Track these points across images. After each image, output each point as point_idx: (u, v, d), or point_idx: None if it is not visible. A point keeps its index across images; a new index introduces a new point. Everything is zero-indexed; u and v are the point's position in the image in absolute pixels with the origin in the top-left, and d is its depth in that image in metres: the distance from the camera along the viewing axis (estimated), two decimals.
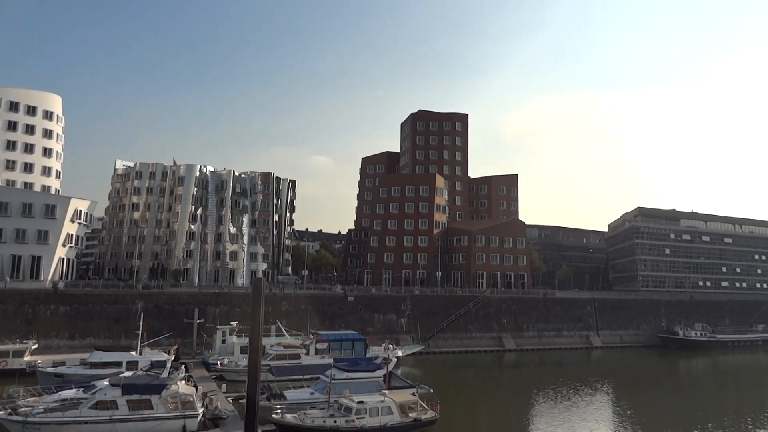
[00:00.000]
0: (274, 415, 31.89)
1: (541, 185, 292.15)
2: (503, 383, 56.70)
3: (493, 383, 56.16)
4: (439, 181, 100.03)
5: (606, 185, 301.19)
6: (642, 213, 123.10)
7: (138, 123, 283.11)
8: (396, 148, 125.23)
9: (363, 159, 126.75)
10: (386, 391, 35.73)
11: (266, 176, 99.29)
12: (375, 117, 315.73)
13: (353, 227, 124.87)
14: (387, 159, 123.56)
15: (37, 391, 35.26)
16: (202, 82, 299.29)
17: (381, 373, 38.61)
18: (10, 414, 29.80)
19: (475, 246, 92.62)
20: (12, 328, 54.50)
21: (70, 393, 34.14)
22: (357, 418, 32.37)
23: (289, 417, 31.86)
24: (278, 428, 31.51)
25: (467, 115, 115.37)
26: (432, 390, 38.92)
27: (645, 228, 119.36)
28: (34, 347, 50.51)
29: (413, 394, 36.78)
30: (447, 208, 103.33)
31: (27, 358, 48.23)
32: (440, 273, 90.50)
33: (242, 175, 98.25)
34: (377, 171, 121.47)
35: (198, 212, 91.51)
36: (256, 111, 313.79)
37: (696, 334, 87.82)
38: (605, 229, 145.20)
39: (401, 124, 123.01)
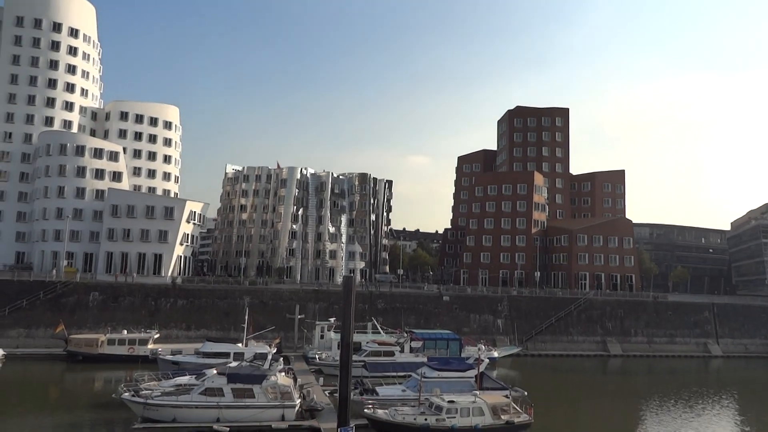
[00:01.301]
0: (366, 410, 32.66)
1: (653, 181, 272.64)
2: (606, 389, 53.65)
3: (595, 389, 53.29)
4: (538, 179, 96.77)
5: (729, 180, 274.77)
6: None
7: (246, 129, 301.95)
8: (493, 146, 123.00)
9: (459, 158, 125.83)
10: (478, 392, 35.26)
11: (363, 177, 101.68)
12: (472, 115, 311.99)
13: (450, 226, 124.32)
14: (483, 157, 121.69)
15: (157, 377, 38.83)
16: (304, 88, 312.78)
17: (473, 373, 38.18)
18: (133, 396, 33.16)
19: (576, 246, 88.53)
20: (137, 318, 60.40)
21: (184, 379, 37.30)
22: (448, 417, 32.25)
23: (380, 412, 32.48)
24: (370, 423, 32.23)
25: (567, 109, 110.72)
26: (526, 393, 37.84)
27: None
28: (156, 336, 55.61)
29: (506, 396, 35.98)
30: (546, 207, 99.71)
31: (150, 346, 53.15)
32: (539, 273, 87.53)
33: (340, 177, 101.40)
34: (474, 169, 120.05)
35: (299, 213, 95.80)
36: (354, 113, 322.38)
37: None
38: (728, 227, 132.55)
39: (498, 121, 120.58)
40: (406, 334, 56.11)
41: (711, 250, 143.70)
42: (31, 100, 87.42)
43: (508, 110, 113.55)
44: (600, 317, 74.52)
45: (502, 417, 33.69)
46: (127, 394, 33.37)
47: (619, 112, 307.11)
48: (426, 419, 32.19)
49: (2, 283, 60.14)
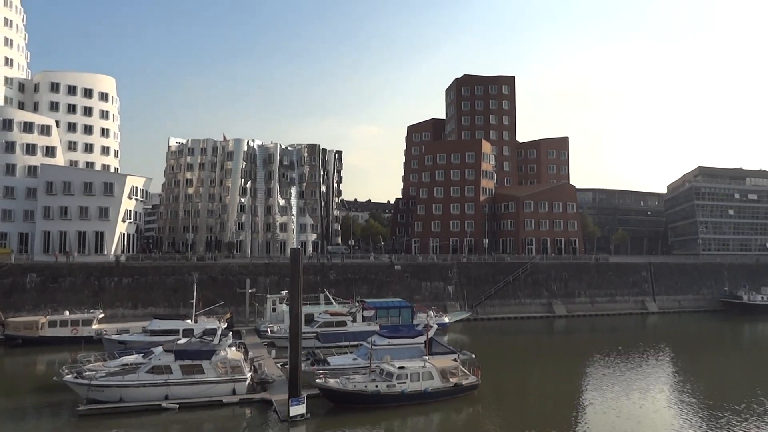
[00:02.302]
0: (317, 380, 32.94)
1: (595, 147, 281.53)
2: (552, 349, 56.12)
3: (541, 349, 55.65)
4: (486, 147, 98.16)
5: (665, 145, 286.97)
6: (703, 173, 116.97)
7: (190, 101, 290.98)
8: (442, 115, 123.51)
9: (409, 127, 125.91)
10: (427, 357, 36.15)
11: (312, 148, 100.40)
12: (421, 84, 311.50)
13: (401, 196, 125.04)
14: (433, 126, 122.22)
15: (102, 357, 37.79)
16: (249, 55, 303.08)
17: (422, 339, 39.00)
18: (76, 378, 32.20)
19: (523, 212, 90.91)
20: (81, 299, 58.36)
21: (130, 358, 36.48)
22: (398, 383, 32.97)
23: (331, 382, 32.83)
24: (321, 392, 32.55)
25: (513, 77, 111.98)
26: (474, 356, 39.06)
27: (706, 188, 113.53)
28: (100, 316, 53.92)
29: (455, 360, 37.06)
30: (494, 174, 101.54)
31: (95, 326, 51.56)
32: (487, 240, 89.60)
33: (289, 148, 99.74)
34: (423, 139, 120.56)
35: (248, 186, 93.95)
36: (305, 85, 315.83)
37: (762, 298, 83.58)
38: (665, 191, 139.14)
39: (446, 90, 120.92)
40: (358, 304, 56.56)
41: (649, 213, 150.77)
42: None
43: (456, 79, 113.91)
44: (546, 280, 77.36)
45: (451, 380, 34.76)
46: (69, 376, 32.39)
47: (561, 80, 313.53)
48: (377, 386, 32.80)
49: None
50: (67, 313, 53.04)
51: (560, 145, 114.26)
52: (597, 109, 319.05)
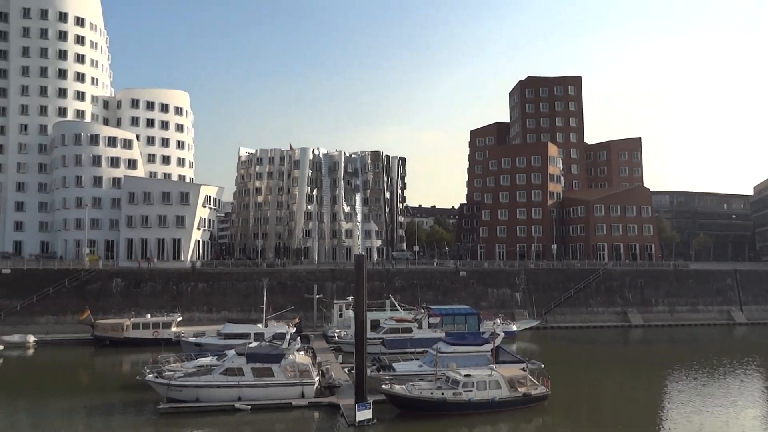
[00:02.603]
0: (383, 386, 33.11)
1: (671, 148, 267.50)
2: (627, 360, 53.57)
3: (616, 360, 53.20)
4: (552, 150, 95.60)
5: (750, 143, 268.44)
6: None
7: (258, 112, 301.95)
8: (506, 118, 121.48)
9: (472, 131, 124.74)
10: (494, 366, 35.50)
11: (375, 155, 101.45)
12: (484, 88, 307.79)
13: (465, 202, 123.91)
14: (497, 130, 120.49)
15: (180, 358, 39.78)
16: (313, 66, 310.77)
17: (488, 347, 38.36)
18: (156, 377, 34.07)
19: (593, 216, 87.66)
20: (160, 303, 61.66)
21: (205, 360, 38.18)
22: (464, 391, 32.58)
23: (397, 388, 32.90)
24: (387, 398, 32.68)
25: (580, 77, 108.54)
26: (543, 365, 37.96)
27: None
28: (179, 319, 56.83)
29: (523, 369, 36.17)
30: (562, 178, 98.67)
31: (173, 329, 54.33)
32: (556, 246, 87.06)
33: (353, 156, 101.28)
34: (487, 143, 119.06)
35: (314, 193, 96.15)
36: (366, 92, 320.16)
37: None
38: (750, 192, 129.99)
39: (509, 93, 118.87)
40: (423, 311, 56.45)
41: (734, 216, 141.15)
42: (43, 91, 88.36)
43: (519, 81, 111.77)
44: (620, 288, 74.08)
45: (519, 389, 33.93)
46: (151, 375, 34.28)
47: (633, 78, 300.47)
48: (443, 393, 32.56)
49: (30, 272, 61.82)
50: (149, 316, 56.27)
51: (632, 146, 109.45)
52: (671, 107, 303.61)
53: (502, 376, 33.93)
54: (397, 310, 58.32)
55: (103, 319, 56.56)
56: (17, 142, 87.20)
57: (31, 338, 53.95)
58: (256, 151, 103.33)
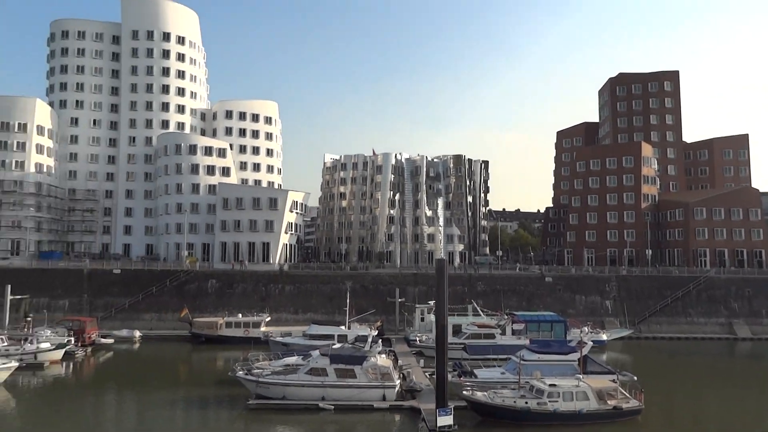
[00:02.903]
0: (464, 392, 32.80)
1: None
2: (733, 375, 49.35)
3: (719, 374, 49.11)
4: (646, 150, 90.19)
5: None
6: None
7: (343, 118, 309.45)
8: (594, 118, 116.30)
9: (558, 132, 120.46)
10: (581, 376, 34.08)
11: (458, 159, 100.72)
12: (571, 87, 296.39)
13: (551, 205, 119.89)
14: (585, 130, 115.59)
15: (269, 357, 41.65)
16: (395, 71, 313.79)
17: (575, 356, 36.86)
18: (246, 375, 35.88)
19: (693, 220, 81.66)
20: (251, 303, 64.80)
21: (291, 360, 39.66)
22: (549, 401, 31.54)
23: (479, 395, 32.46)
24: (469, 404, 32.34)
25: (677, 72, 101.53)
26: (635, 378, 35.92)
27: None
28: (267, 320, 59.53)
29: (613, 381, 34.41)
30: (657, 179, 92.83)
31: (263, 328, 56.98)
32: (651, 251, 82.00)
33: (435, 160, 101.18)
34: (574, 144, 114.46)
35: (396, 198, 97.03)
36: (448, 94, 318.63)
37: None
38: None
39: (599, 91, 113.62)
40: (506, 317, 55.30)
41: None
42: (149, 106, 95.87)
43: (610, 78, 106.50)
44: (724, 297, 68.53)
45: (609, 402, 32.35)
46: (241, 372, 36.17)
47: (737, 71, 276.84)
48: (527, 402, 31.72)
49: (137, 273, 67.25)
50: (240, 315, 59.39)
51: (738, 143, 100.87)
52: None
53: (590, 387, 32.51)
54: (480, 315, 57.52)
55: (200, 318, 60.34)
56: (126, 153, 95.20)
57: (137, 333, 58.67)
58: (341, 157, 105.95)
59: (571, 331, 54.39)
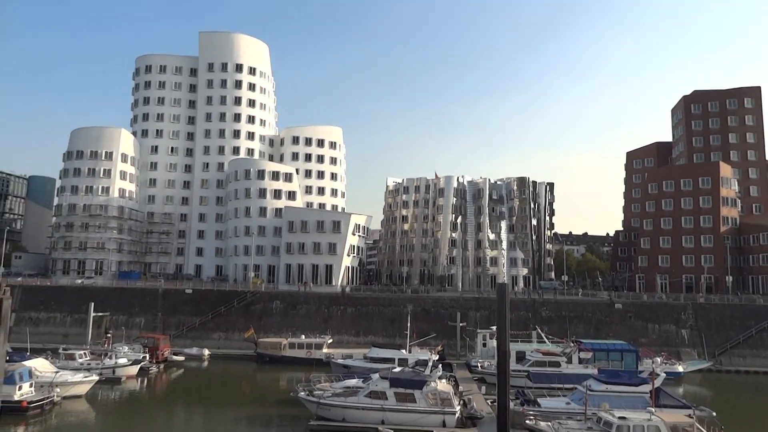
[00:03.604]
0: (527, 421, 31.84)
1: None
2: None
3: None
4: (725, 170, 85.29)
5: None
6: None
7: (405, 142, 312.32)
8: (667, 138, 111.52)
9: (628, 153, 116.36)
10: (653, 409, 32.23)
11: (521, 181, 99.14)
12: (642, 106, 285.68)
13: (621, 228, 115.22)
14: (657, 150, 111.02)
15: (330, 379, 42.16)
16: (457, 93, 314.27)
17: (646, 388, 34.92)
18: (308, 395, 36.46)
19: None
20: (313, 324, 65.93)
21: (352, 382, 39.88)
22: None
23: (543, 425, 31.38)
24: None
25: (759, 88, 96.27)
26: (714, 413, 33.57)
27: None
28: (329, 341, 60.26)
29: (689, 416, 32.29)
30: (738, 201, 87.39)
31: (325, 350, 57.67)
32: (731, 278, 76.88)
33: (498, 182, 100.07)
34: (646, 165, 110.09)
35: (458, 221, 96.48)
36: (512, 116, 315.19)
37: None
38: None
39: (672, 110, 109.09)
40: (573, 344, 53.27)
41: None
42: (221, 133, 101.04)
43: (684, 96, 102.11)
44: None
45: None
46: (303, 393, 36.79)
47: None
48: None
49: (207, 293, 70.18)
50: (303, 337, 60.48)
51: None
52: None
53: (664, 422, 30.65)
54: (544, 342, 55.75)
55: (264, 338, 61.95)
56: (200, 179, 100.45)
57: (206, 351, 60.98)
58: (403, 180, 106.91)
59: (643, 361, 51.64)
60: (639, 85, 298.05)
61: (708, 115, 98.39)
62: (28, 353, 44.55)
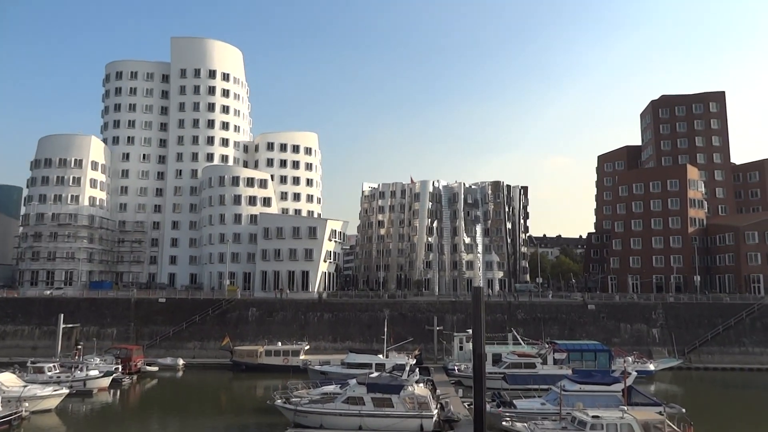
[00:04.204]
0: (504, 423, 32.19)
1: None
2: None
3: None
4: (692, 173, 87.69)
5: None
6: None
7: (380, 147, 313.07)
8: (636, 141, 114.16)
9: (599, 156, 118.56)
10: (626, 407, 32.90)
11: (496, 185, 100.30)
12: (612, 110, 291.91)
13: (593, 230, 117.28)
14: (627, 154, 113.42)
15: (307, 385, 41.94)
16: (432, 97, 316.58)
17: (619, 386, 35.67)
18: (284, 403, 36.25)
19: (745, 244, 78.40)
20: (290, 331, 65.46)
21: (330, 388, 39.81)
22: None
23: (519, 426, 31.77)
24: None
25: (723, 93, 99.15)
26: (684, 410, 34.41)
27: None
28: (306, 348, 59.93)
29: (660, 413, 33.05)
30: (705, 203, 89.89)
31: (302, 357, 57.38)
32: (699, 277, 78.93)
33: (472, 186, 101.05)
34: (616, 168, 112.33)
35: (434, 225, 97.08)
36: (485, 119, 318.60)
37: None
38: None
39: (641, 114, 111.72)
40: (548, 345, 54.05)
41: None
42: (195, 140, 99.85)
43: (652, 101, 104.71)
44: None
45: None
46: (279, 401, 36.55)
47: None
48: None
49: (181, 302, 69.14)
50: (280, 344, 60.03)
51: None
52: None
53: (636, 420, 31.31)
54: (520, 344, 56.46)
55: (240, 346, 61.31)
56: (173, 186, 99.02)
57: (181, 361, 60.03)
58: (379, 185, 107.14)
59: (616, 360, 52.67)
60: (610, 90, 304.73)
61: (675, 119, 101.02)
62: None
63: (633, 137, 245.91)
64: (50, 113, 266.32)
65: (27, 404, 38.14)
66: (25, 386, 40.58)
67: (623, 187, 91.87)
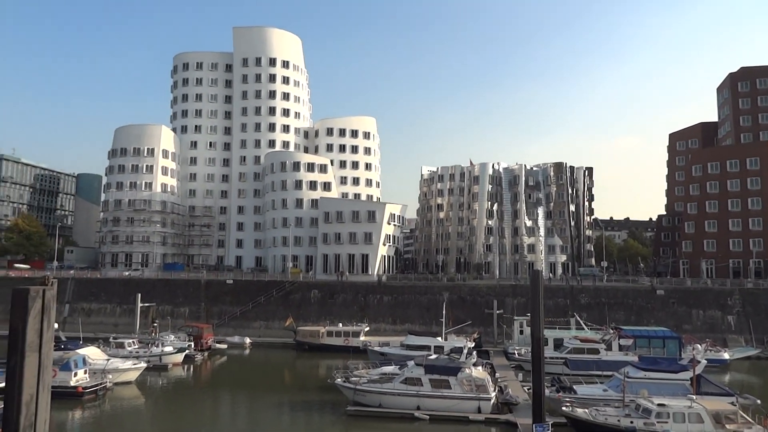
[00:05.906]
0: (563, 407, 31.73)
1: None
2: None
3: None
4: None
5: None
6: None
7: (440, 129, 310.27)
8: (712, 117, 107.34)
9: (671, 135, 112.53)
10: (694, 396, 31.61)
11: (558, 167, 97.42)
12: (685, 86, 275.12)
13: (664, 212, 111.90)
14: (701, 131, 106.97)
15: (367, 366, 42.89)
16: (492, 79, 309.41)
17: (686, 375, 34.22)
18: (345, 382, 37.29)
19: None
20: (350, 313, 66.86)
21: (388, 369, 40.54)
22: (657, 422, 29.54)
23: (579, 411, 31.20)
24: (569, 421, 31.18)
25: None
26: (759, 401, 32.65)
27: None
28: (366, 329, 61.10)
29: (732, 404, 31.56)
30: None
31: (362, 338, 58.61)
32: None
33: (534, 168, 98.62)
34: (690, 146, 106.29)
35: (494, 208, 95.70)
36: (550, 101, 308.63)
37: None
38: None
39: (717, 88, 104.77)
40: (612, 331, 52.49)
41: None
42: (257, 127, 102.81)
43: (730, 74, 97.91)
44: None
45: (728, 426, 29.62)
46: (340, 380, 37.65)
47: None
48: (632, 422, 29.96)
49: (247, 283, 72.03)
50: (341, 325, 61.53)
51: None
52: None
53: (705, 409, 30.02)
54: (583, 329, 55.09)
55: (303, 326, 63.30)
56: (238, 172, 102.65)
57: (248, 340, 62.76)
58: (438, 168, 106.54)
59: (687, 348, 50.46)
60: (683, 65, 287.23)
61: (756, 92, 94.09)
62: (80, 342, 46.93)
63: (708, 114, 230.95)
64: (124, 104, 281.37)
65: (110, 376, 41.22)
66: (108, 360, 43.83)
67: (697, 167, 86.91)
